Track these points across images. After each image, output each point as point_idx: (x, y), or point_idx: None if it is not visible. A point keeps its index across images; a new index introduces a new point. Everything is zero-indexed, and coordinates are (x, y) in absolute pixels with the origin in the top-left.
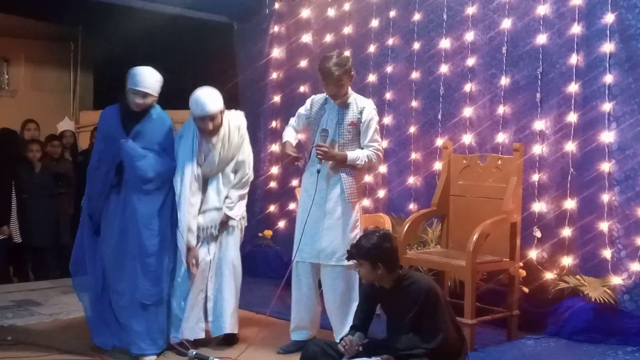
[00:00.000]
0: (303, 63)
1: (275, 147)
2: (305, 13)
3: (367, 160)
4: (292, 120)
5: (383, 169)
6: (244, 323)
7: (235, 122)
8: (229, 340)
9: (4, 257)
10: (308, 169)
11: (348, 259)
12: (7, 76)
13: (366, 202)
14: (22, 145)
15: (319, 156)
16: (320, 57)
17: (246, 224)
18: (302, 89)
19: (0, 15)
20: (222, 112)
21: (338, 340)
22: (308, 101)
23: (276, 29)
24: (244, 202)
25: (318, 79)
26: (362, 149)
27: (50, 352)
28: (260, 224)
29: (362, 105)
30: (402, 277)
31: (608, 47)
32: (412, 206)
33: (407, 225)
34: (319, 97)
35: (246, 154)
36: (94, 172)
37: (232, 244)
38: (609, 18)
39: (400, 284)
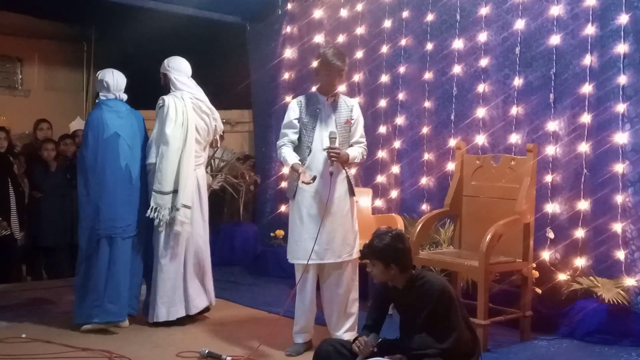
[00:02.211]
0: (315, 63)
1: None
2: (318, 13)
3: (361, 157)
4: (284, 139)
5: (396, 169)
6: (256, 322)
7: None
8: None
9: (18, 256)
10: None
11: (361, 258)
12: (20, 76)
13: (379, 203)
14: (35, 144)
15: (332, 158)
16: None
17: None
18: (314, 89)
19: (14, 16)
20: (162, 75)
21: (352, 340)
22: (294, 106)
23: (289, 29)
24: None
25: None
26: (352, 145)
27: (64, 349)
28: (272, 224)
29: (350, 104)
30: (415, 277)
31: (622, 47)
32: (424, 207)
33: (420, 225)
34: (305, 99)
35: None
36: None
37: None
38: (623, 19)
39: (413, 284)
